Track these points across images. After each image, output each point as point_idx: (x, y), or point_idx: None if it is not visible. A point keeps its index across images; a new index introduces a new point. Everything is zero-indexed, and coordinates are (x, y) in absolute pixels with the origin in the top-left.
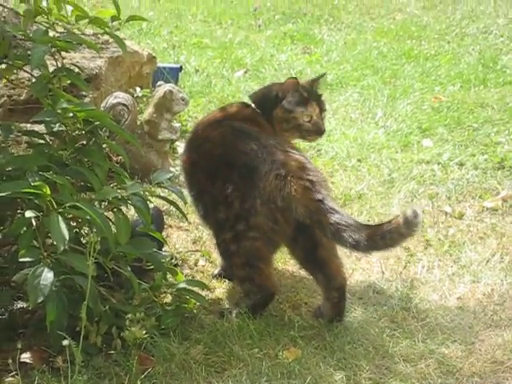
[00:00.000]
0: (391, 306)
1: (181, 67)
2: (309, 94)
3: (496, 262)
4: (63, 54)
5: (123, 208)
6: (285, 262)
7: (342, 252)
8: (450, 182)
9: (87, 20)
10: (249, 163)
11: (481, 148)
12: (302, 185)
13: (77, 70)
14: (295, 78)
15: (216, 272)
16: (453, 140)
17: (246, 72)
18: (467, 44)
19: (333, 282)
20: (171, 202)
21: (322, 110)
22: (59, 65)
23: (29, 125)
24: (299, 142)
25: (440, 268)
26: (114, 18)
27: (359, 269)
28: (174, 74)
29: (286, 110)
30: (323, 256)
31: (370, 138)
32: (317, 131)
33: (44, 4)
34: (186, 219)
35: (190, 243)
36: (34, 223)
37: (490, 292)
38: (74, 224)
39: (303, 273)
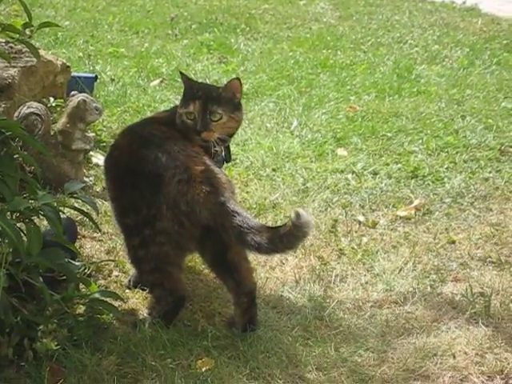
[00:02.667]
0: (305, 315)
1: (96, 76)
2: (196, 93)
3: (409, 271)
4: None
5: (35, 218)
6: (198, 271)
7: (255, 260)
8: (363, 191)
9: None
10: (153, 170)
11: (394, 157)
12: (205, 189)
13: None
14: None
15: (127, 281)
16: (367, 149)
17: (161, 81)
18: (382, 54)
19: (242, 286)
20: (84, 213)
21: (206, 109)
22: None
23: None
24: None
25: (353, 277)
26: (26, 25)
27: (273, 278)
28: (89, 84)
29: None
30: (232, 260)
31: (285, 147)
32: (196, 130)
33: None
34: (99, 230)
35: (104, 253)
36: None
37: (402, 300)
38: None
39: (217, 282)
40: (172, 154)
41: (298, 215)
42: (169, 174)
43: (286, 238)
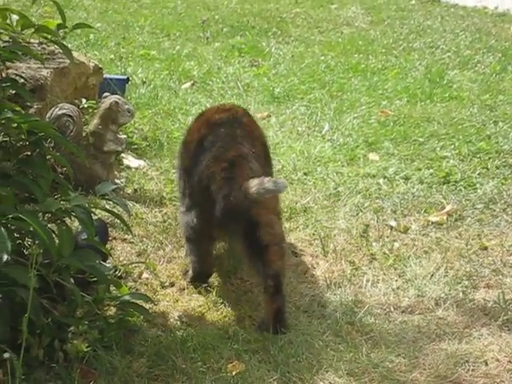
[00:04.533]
0: (336, 320)
1: (128, 78)
2: None
3: (440, 276)
4: (8, 63)
5: (67, 220)
6: (229, 276)
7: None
8: (395, 195)
9: (33, 29)
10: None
11: (426, 162)
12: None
13: (22, 80)
14: None
15: None
16: (399, 154)
17: (193, 84)
18: (414, 59)
19: (268, 268)
20: (115, 215)
21: None
22: (3, 75)
23: None
24: None
25: (385, 282)
26: (59, 27)
27: (304, 282)
28: (120, 86)
29: None
30: (261, 240)
31: (316, 151)
32: None
33: None
34: (130, 232)
35: (135, 256)
36: None
37: (433, 306)
38: (17, 235)
39: (247, 286)
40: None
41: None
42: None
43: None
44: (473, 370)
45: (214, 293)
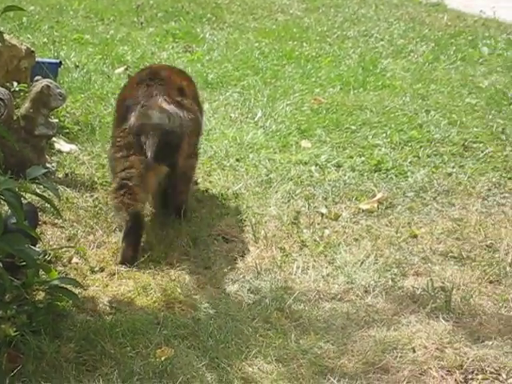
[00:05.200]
0: (265, 306)
1: (60, 62)
2: None
3: (370, 264)
4: None
5: None
6: (158, 261)
7: (216, 250)
8: (326, 183)
9: None
10: None
11: (358, 150)
12: None
13: None
14: None
15: None
16: (331, 142)
17: (126, 69)
18: (348, 47)
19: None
20: (45, 199)
21: None
22: None
23: None
24: None
25: (315, 269)
26: None
27: (234, 268)
28: (53, 70)
29: None
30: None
31: (249, 138)
32: None
33: None
34: (61, 216)
35: (65, 240)
36: None
37: (363, 293)
38: None
39: (177, 273)
40: None
41: None
42: None
43: None
44: (400, 357)
45: (144, 278)
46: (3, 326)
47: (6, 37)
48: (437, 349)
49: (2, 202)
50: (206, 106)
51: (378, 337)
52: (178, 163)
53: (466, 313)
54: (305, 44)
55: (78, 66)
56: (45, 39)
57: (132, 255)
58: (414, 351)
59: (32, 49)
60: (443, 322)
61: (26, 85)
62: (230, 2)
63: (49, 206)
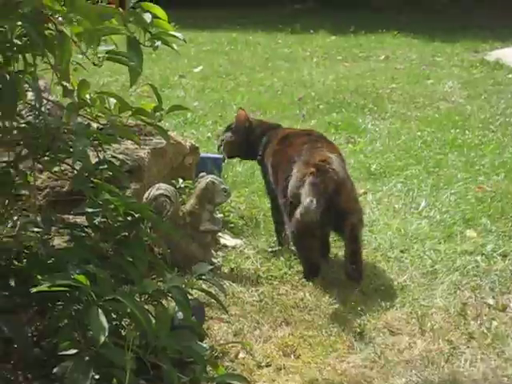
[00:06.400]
0: None
1: (224, 157)
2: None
3: None
4: (107, 146)
5: (163, 300)
6: (325, 354)
7: (383, 343)
8: (493, 273)
9: (130, 112)
10: None
11: None
12: None
13: (118, 162)
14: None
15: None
16: (496, 230)
17: None
18: (511, 133)
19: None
20: (211, 295)
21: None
22: (101, 157)
23: (71, 216)
24: None
25: (483, 361)
26: (156, 109)
27: (401, 361)
28: (217, 164)
29: None
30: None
31: (413, 228)
32: None
33: (88, 97)
34: (226, 312)
35: (231, 335)
36: (74, 316)
37: None
38: (114, 316)
39: (345, 365)
40: None
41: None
42: None
43: None
44: None
45: (311, 372)
46: None
47: (171, 134)
48: None
49: (170, 299)
50: (369, 197)
51: None
52: None
53: None
54: (467, 132)
55: (241, 161)
56: (209, 134)
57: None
58: None
59: (196, 145)
60: None
61: (190, 181)
62: (391, 92)
63: (215, 301)
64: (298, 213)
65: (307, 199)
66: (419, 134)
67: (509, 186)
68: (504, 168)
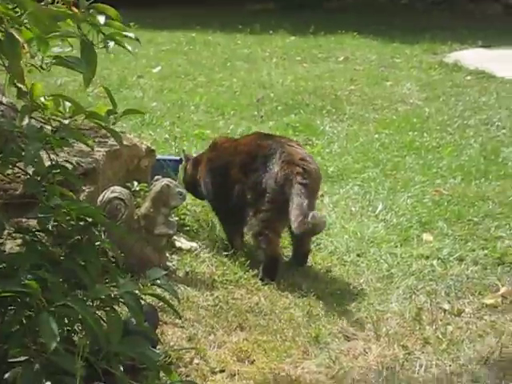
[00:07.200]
0: None
1: (181, 159)
2: None
3: (495, 361)
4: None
5: (116, 305)
6: (280, 360)
7: (337, 349)
8: (449, 277)
9: (84, 115)
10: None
11: (481, 243)
12: None
13: (71, 166)
14: None
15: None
16: (453, 234)
17: None
18: (469, 136)
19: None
20: (165, 301)
21: None
22: (53, 162)
23: (25, 219)
24: None
25: (438, 367)
26: (110, 112)
27: (356, 367)
28: (174, 166)
29: None
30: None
31: (369, 231)
32: None
33: (42, 99)
34: (180, 317)
35: (185, 341)
36: (25, 322)
37: None
38: (66, 322)
39: (299, 371)
40: None
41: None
42: None
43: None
44: None
45: (265, 378)
46: None
47: (127, 136)
48: None
49: (122, 304)
50: (326, 200)
51: None
52: None
53: None
54: (425, 134)
55: None
56: (166, 135)
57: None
58: None
59: (152, 148)
60: None
61: (146, 184)
62: (349, 93)
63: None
64: (301, 221)
65: (313, 213)
66: (377, 136)
67: (466, 190)
68: (461, 171)
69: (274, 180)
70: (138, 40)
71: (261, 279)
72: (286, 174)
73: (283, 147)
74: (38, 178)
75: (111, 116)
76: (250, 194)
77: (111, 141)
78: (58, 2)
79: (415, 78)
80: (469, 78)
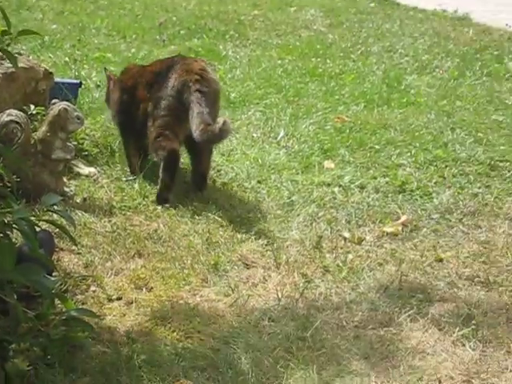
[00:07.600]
0: (287, 335)
1: (80, 83)
2: None
3: (394, 290)
4: None
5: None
6: (177, 288)
7: (237, 277)
8: (350, 205)
9: None
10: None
11: (382, 170)
12: None
13: None
14: None
15: None
16: (354, 162)
17: None
18: (372, 63)
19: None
20: (60, 227)
21: None
22: None
23: None
24: None
25: (338, 295)
26: (4, 33)
27: (255, 295)
28: (73, 90)
29: None
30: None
31: (271, 158)
32: None
33: None
34: (76, 244)
35: (82, 267)
36: None
37: (387, 321)
38: None
39: (197, 300)
40: None
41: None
42: None
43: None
44: None
45: (163, 307)
46: (16, 360)
47: (24, 58)
48: (464, 381)
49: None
50: None
51: (403, 367)
52: None
53: (493, 341)
54: (328, 61)
55: (99, 86)
56: (66, 58)
57: (167, 197)
58: (440, 382)
59: (50, 70)
60: (470, 350)
61: (43, 108)
62: (253, 19)
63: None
64: (203, 129)
65: (225, 119)
66: (280, 62)
67: (368, 117)
68: (363, 98)
69: (171, 87)
70: None
71: (157, 198)
72: (183, 81)
73: (184, 59)
74: None
75: (6, 37)
76: (150, 107)
77: (7, 63)
78: None
79: (319, 4)
80: (372, 4)
